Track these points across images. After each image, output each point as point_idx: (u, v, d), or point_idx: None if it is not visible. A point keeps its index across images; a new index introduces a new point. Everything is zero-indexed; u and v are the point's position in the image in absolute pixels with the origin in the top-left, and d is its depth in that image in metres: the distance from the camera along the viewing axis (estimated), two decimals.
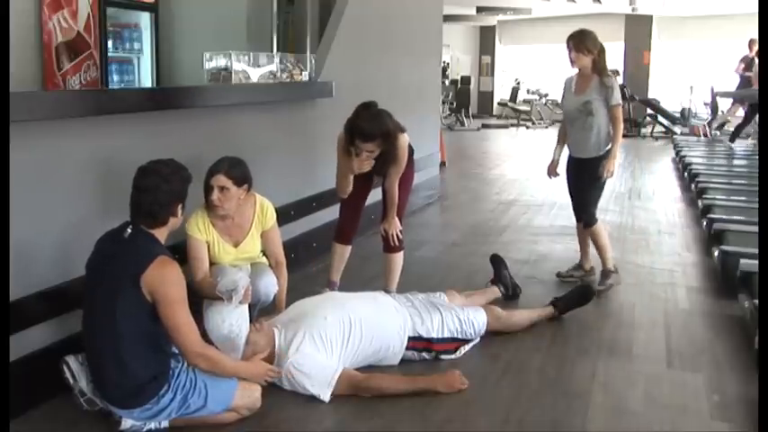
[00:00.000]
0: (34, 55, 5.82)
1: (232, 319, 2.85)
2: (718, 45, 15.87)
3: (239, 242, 3.31)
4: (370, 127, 3.45)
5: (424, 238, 5.63)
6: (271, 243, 3.42)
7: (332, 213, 5.08)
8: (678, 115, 14.06)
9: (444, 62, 16.00)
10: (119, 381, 2.46)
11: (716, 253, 4.43)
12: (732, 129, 12.83)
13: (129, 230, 2.52)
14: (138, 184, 2.53)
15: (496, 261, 4.24)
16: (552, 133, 15.40)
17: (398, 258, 3.94)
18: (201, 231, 3.20)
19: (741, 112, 12.39)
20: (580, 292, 3.85)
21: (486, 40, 19.82)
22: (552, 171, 4.54)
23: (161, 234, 2.57)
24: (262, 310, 3.37)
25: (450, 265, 4.89)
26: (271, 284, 3.32)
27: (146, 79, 6.79)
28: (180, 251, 3.24)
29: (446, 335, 3.27)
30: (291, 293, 3.77)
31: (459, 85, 16.89)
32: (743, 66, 12.01)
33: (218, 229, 3.23)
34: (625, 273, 4.74)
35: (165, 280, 2.43)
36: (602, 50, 4.13)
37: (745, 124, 10.79)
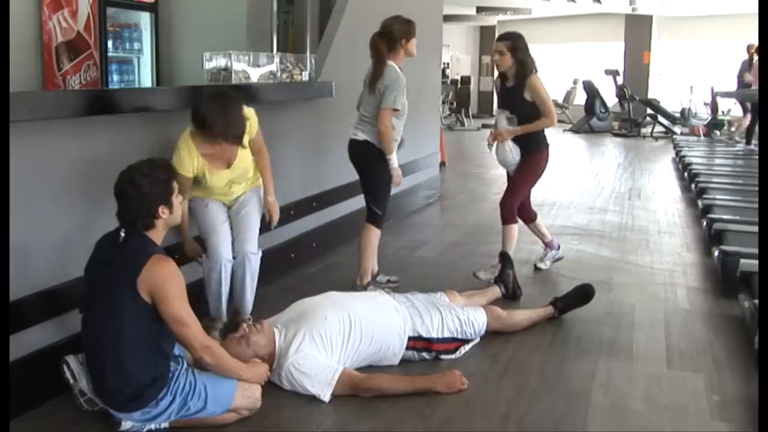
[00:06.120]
0: (34, 55, 5.82)
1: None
2: (718, 45, 15.87)
3: (231, 161, 3.25)
4: (507, 35, 4.39)
5: (424, 238, 5.63)
6: (257, 145, 3.41)
7: (332, 213, 5.10)
8: (678, 115, 14.06)
9: (444, 62, 16.00)
10: (118, 385, 2.46)
11: (716, 253, 4.43)
12: (732, 129, 12.86)
13: (123, 234, 2.51)
14: (114, 192, 2.51)
15: (505, 259, 4.26)
16: (552, 133, 15.45)
17: (510, 230, 4.44)
18: (189, 164, 3.11)
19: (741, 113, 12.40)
20: (580, 291, 3.85)
21: (486, 40, 19.80)
22: None
23: (155, 234, 2.56)
24: (263, 301, 3.38)
25: (450, 265, 4.89)
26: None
27: (146, 79, 6.80)
28: (177, 251, 3.24)
29: (446, 335, 3.27)
30: (291, 293, 3.79)
31: (459, 85, 16.89)
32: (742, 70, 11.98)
33: (206, 158, 3.15)
34: (625, 273, 4.75)
35: (162, 278, 2.43)
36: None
37: (753, 124, 10.77)
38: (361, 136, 4.02)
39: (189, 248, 3.37)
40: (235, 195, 3.41)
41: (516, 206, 4.51)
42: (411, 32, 3.99)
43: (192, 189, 3.24)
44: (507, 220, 4.48)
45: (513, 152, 4.38)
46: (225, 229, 3.34)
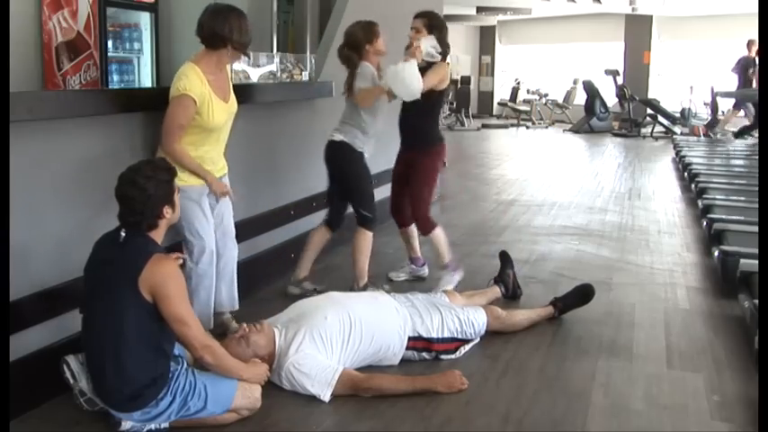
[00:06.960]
0: (34, 55, 5.83)
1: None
2: (718, 45, 15.86)
3: (227, 97, 3.24)
4: (425, 12, 4.11)
5: (425, 238, 5.62)
6: None
7: None
8: (678, 115, 14.05)
9: None
10: (118, 385, 2.46)
11: (716, 253, 4.43)
12: (732, 129, 12.86)
13: (123, 234, 2.51)
14: (116, 195, 2.51)
15: (504, 259, 4.25)
16: (552, 133, 15.46)
17: (435, 237, 4.25)
18: (199, 87, 3.05)
19: (742, 114, 12.39)
20: (580, 291, 3.85)
21: (486, 40, 19.81)
22: None
23: (157, 234, 2.56)
24: (263, 302, 3.38)
25: None
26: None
27: (146, 79, 6.81)
28: (177, 251, 3.23)
29: (446, 335, 3.27)
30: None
31: (459, 85, 16.88)
32: (739, 67, 11.97)
33: (211, 85, 3.12)
34: (625, 273, 4.75)
35: (163, 276, 2.43)
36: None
37: (753, 126, 10.74)
38: (337, 137, 3.98)
39: (217, 187, 3.20)
40: (221, 163, 3.31)
41: (429, 212, 4.27)
42: (373, 34, 3.94)
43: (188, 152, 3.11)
44: (427, 229, 4.25)
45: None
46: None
